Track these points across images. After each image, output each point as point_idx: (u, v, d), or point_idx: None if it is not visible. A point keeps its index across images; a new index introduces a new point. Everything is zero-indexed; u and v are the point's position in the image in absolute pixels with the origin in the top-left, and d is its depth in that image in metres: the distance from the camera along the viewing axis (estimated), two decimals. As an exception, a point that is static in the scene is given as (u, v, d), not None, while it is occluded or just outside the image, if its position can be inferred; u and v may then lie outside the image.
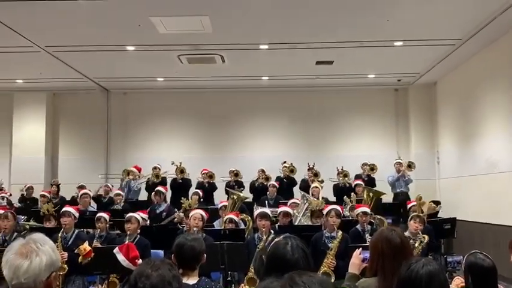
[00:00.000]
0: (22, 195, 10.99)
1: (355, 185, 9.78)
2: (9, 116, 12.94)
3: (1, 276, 1.94)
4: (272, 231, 6.06)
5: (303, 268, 2.18)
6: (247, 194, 9.51)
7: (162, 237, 6.57)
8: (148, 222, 7.14)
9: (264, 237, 5.65)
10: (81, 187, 10.14)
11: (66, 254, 5.64)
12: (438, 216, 8.77)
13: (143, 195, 10.92)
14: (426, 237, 5.99)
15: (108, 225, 6.88)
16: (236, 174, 10.71)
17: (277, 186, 9.80)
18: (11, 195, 10.60)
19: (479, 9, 7.68)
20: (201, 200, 9.15)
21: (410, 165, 10.76)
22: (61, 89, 13.04)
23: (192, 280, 3.03)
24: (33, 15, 7.82)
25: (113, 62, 10.56)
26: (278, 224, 6.80)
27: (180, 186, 10.35)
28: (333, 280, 5.36)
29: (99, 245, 6.22)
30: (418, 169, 11.10)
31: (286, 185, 10.50)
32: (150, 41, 9.00)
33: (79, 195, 9.18)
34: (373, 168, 10.84)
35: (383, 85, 12.74)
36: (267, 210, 6.50)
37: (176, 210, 8.33)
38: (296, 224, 7.30)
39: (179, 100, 13.12)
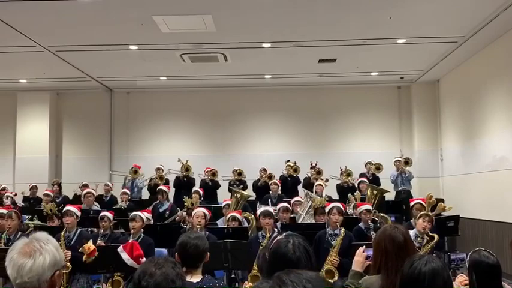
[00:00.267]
0: (24, 196, 11.01)
1: (359, 182, 9.74)
2: (13, 115, 12.95)
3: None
4: (276, 229, 6.07)
5: (304, 266, 2.18)
6: (250, 193, 9.50)
7: (165, 236, 6.60)
8: (152, 221, 7.15)
9: (268, 236, 5.65)
10: (85, 186, 10.18)
11: (69, 253, 5.65)
12: (441, 213, 8.72)
13: (145, 194, 10.97)
14: (436, 236, 5.85)
15: (112, 224, 6.89)
16: (239, 173, 10.70)
17: (279, 184, 9.78)
18: (15, 194, 10.63)
19: (482, 6, 7.64)
20: (202, 198, 9.14)
21: (407, 162, 10.70)
22: (64, 89, 13.06)
23: (195, 278, 3.04)
24: (36, 15, 7.83)
25: (116, 61, 10.57)
26: (279, 221, 6.76)
27: (184, 185, 10.37)
28: (336, 277, 5.37)
29: (103, 244, 6.23)
30: (421, 167, 11.07)
31: (290, 184, 10.47)
32: (153, 40, 9.01)
33: (83, 194, 9.20)
34: (379, 167, 10.78)
35: (386, 83, 12.71)
36: (270, 208, 6.50)
37: (179, 209, 8.35)
38: (300, 222, 7.31)
39: (182, 99, 13.13)
